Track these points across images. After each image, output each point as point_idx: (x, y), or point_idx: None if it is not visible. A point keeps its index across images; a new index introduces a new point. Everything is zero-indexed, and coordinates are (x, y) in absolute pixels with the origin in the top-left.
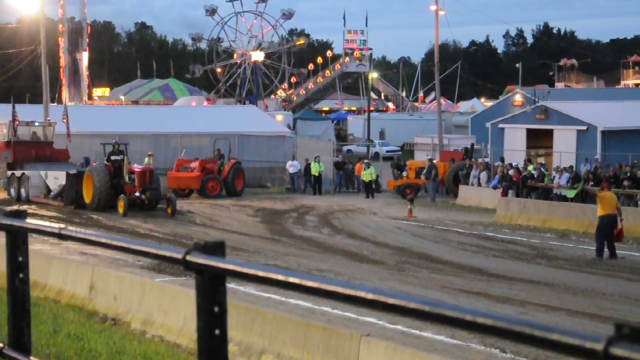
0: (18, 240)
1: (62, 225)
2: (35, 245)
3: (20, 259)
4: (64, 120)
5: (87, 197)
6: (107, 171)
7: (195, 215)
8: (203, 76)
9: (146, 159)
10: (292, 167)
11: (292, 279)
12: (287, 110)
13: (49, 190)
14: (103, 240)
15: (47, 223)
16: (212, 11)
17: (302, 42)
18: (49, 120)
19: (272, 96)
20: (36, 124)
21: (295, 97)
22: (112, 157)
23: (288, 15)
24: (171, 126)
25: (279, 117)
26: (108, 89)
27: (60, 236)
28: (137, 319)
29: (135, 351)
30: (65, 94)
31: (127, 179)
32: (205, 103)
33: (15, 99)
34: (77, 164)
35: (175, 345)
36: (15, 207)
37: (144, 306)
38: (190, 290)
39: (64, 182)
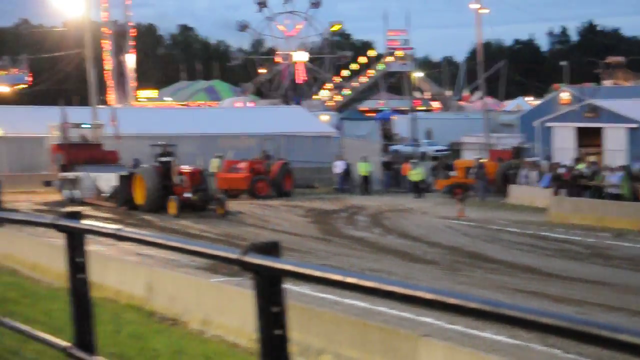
0: (76, 241)
1: (119, 227)
2: (91, 246)
3: (79, 259)
4: (113, 122)
5: (139, 199)
6: (158, 172)
7: (245, 216)
8: (243, 70)
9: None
10: (338, 167)
11: (349, 279)
12: (332, 111)
13: (100, 191)
14: (159, 241)
15: (103, 224)
16: (262, 3)
17: (338, 27)
18: (97, 122)
19: (317, 97)
20: (85, 125)
21: (340, 98)
22: (162, 159)
23: (316, 4)
24: (218, 127)
25: (325, 118)
26: (156, 91)
27: (118, 237)
28: (195, 319)
29: (195, 351)
30: (112, 96)
31: (177, 180)
32: (251, 104)
33: (64, 101)
34: (127, 166)
35: (234, 345)
36: (70, 209)
37: (202, 306)
38: (246, 290)
39: (116, 184)
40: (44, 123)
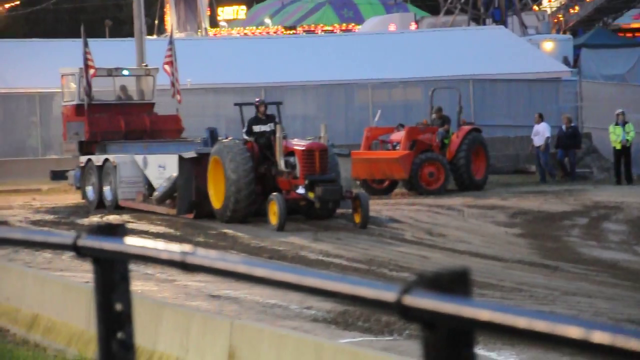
0: (114, 275)
1: (186, 249)
2: (134, 283)
3: (118, 306)
4: (168, 66)
5: (216, 199)
6: (249, 152)
7: (402, 226)
8: None
9: (322, 131)
10: (538, 135)
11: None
12: (562, 33)
13: (151, 187)
14: (258, 273)
15: (158, 244)
16: None
17: None
18: (145, 65)
19: (533, 8)
20: (125, 72)
21: (576, 9)
22: (256, 128)
23: None
24: (354, 70)
25: (548, 45)
26: (244, 8)
27: (184, 266)
28: None
29: None
30: (171, 19)
31: (282, 164)
32: (414, 26)
33: (87, 30)
34: (195, 141)
35: None
36: (100, 218)
37: None
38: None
39: (174, 174)
40: (52, 69)
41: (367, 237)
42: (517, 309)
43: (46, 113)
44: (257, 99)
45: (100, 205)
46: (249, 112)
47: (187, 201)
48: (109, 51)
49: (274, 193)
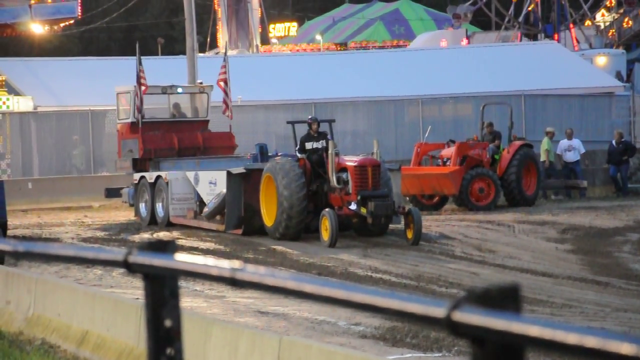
0: (164, 291)
1: (236, 265)
2: (183, 300)
3: (168, 322)
4: (222, 83)
5: (268, 217)
6: (301, 170)
7: (451, 242)
8: None
9: (375, 146)
10: (569, 150)
11: None
12: (615, 47)
13: (202, 204)
14: (306, 289)
15: (208, 260)
16: None
17: None
18: (200, 83)
19: (586, 23)
20: (179, 90)
21: (629, 24)
22: (309, 145)
23: None
24: (404, 86)
25: (601, 60)
26: (295, 25)
27: (234, 282)
28: None
29: None
30: (222, 37)
31: (334, 181)
32: (465, 42)
33: (140, 48)
34: (245, 157)
35: None
36: (150, 235)
37: None
38: None
39: (224, 190)
40: (105, 87)
41: (416, 253)
42: (567, 325)
43: (98, 130)
44: (309, 117)
45: (152, 222)
46: (301, 130)
47: (236, 217)
48: (161, 69)
49: (327, 209)
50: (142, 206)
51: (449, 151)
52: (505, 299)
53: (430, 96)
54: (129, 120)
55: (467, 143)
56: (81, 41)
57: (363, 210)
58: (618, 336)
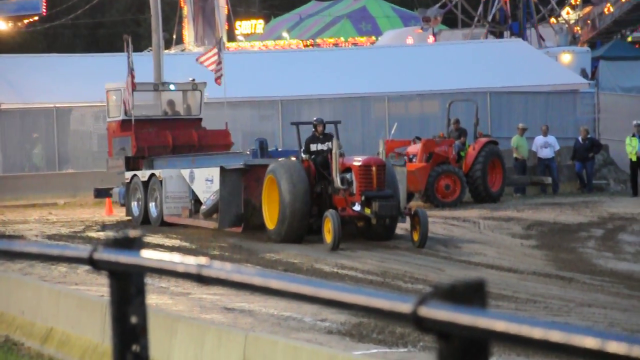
0: (130, 288)
1: (202, 261)
2: (149, 296)
3: (133, 319)
4: (218, 79)
5: (270, 219)
6: (305, 172)
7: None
8: None
9: (380, 146)
10: (545, 147)
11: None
12: (580, 45)
13: (198, 202)
14: (273, 285)
15: (175, 257)
16: None
17: None
18: (193, 80)
19: (551, 21)
20: (171, 87)
21: (592, 21)
22: (313, 147)
23: None
24: (371, 83)
25: (566, 58)
26: (262, 22)
27: (200, 278)
28: None
29: None
30: (189, 33)
31: (338, 181)
32: (431, 39)
33: (105, 45)
34: (244, 154)
35: None
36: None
37: None
38: None
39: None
40: (70, 84)
41: (382, 250)
42: (533, 319)
43: (63, 128)
44: (315, 118)
45: (145, 221)
46: (305, 132)
47: (233, 214)
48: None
49: (329, 210)
50: (134, 205)
51: (415, 148)
52: (471, 294)
53: (397, 93)
54: (120, 118)
55: (433, 140)
56: (46, 38)
57: (367, 211)
58: (582, 330)
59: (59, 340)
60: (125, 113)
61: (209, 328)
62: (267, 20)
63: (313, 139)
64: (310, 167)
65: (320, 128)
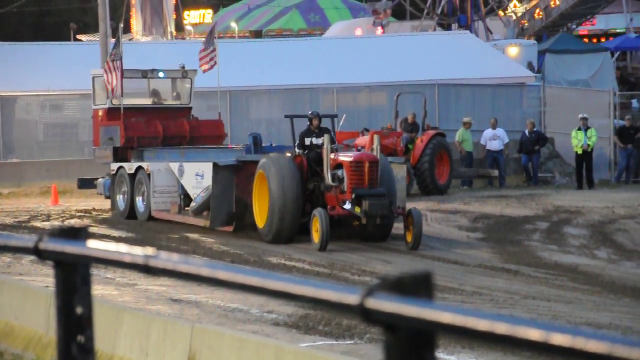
0: (75, 278)
1: (150, 252)
2: (94, 287)
3: (79, 310)
4: (205, 65)
5: (260, 217)
6: (297, 167)
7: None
8: None
9: (375, 141)
10: (494, 139)
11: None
12: (527, 38)
13: (187, 197)
14: (221, 276)
15: (121, 247)
16: None
17: None
18: (183, 67)
19: (499, 14)
20: (160, 74)
21: (540, 14)
22: (307, 141)
23: None
24: (319, 75)
25: (513, 51)
26: (210, 12)
27: (147, 269)
28: None
29: None
30: (136, 23)
31: (329, 178)
32: (380, 31)
33: (51, 33)
34: (237, 148)
35: None
36: (63, 222)
37: None
38: None
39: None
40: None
41: (331, 244)
42: (478, 311)
43: (8, 117)
44: (310, 112)
45: (131, 216)
46: (300, 126)
47: (224, 212)
48: (73, 54)
49: (318, 208)
50: (119, 199)
51: (363, 140)
52: (418, 286)
53: (345, 85)
54: (107, 106)
55: (381, 132)
56: None
57: (357, 210)
58: (526, 322)
59: (1, 331)
60: (111, 101)
61: (155, 319)
62: (215, 10)
63: (308, 133)
64: (302, 163)
65: (315, 122)
